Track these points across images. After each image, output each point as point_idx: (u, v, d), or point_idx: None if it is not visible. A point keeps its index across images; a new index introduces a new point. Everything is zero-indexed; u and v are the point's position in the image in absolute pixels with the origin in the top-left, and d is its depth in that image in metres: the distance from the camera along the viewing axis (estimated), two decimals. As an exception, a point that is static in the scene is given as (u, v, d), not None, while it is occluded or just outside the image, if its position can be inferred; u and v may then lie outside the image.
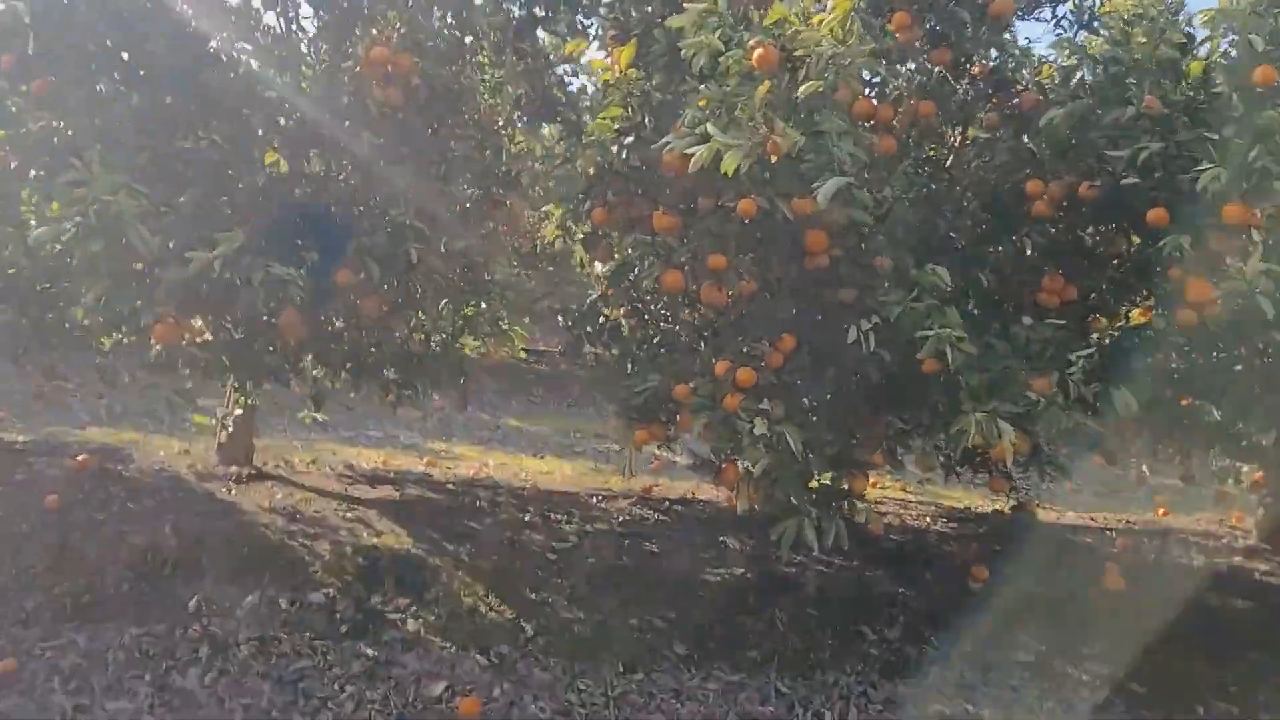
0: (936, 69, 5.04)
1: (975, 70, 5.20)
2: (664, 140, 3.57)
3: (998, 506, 6.79)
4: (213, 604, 4.44)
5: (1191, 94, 4.10)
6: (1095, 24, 5.01)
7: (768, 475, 3.85)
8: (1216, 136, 3.76)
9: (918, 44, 4.97)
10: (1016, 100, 4.82)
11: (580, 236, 5.13)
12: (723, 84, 3.48)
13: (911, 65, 5.06)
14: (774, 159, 3.32)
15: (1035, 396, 3.82)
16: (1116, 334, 5.45)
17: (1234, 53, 4.02)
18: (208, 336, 4.59)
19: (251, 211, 3.95)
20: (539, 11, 5.17)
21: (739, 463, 4.09)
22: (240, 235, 3.51)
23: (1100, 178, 4.23)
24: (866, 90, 4.99)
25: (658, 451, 7.27)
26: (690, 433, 4.16)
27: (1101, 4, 4.96)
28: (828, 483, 4.22)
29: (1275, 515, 6.42)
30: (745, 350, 4.00)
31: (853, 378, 4.32)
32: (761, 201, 3.66)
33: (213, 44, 4.35)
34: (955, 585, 5.38)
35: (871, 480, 7.93)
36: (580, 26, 4.44)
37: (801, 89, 3.31)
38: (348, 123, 4.64)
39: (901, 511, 6.76)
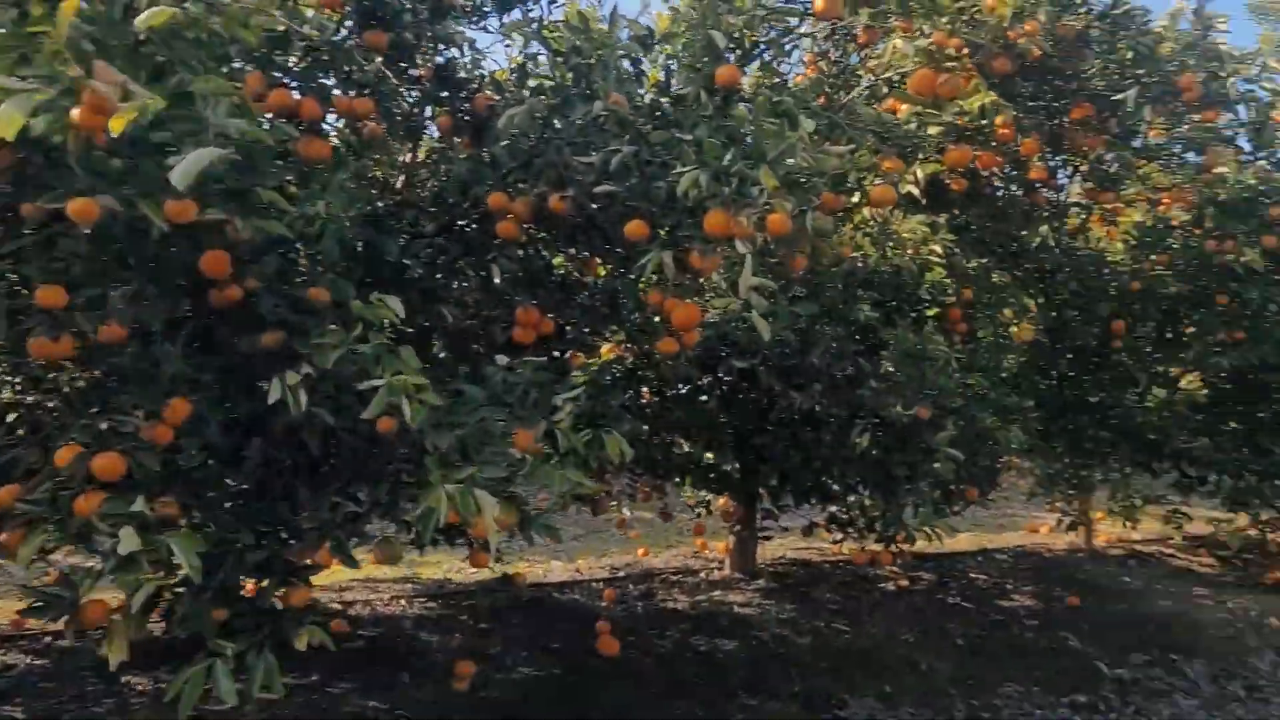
0: (374, 64, 4.15)
1: (421, 72, 4.41)
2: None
3: (481, 576, 6.06)
4: None
5: (655, 94, 3.66)
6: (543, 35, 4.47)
7: (152, 607, 2.59)
8: (690, 138, 3.30)
9: (346, 28, 4.04)
10: (470, 102, 4.09)
11: None
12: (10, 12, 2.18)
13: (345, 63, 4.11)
14: (115, 130, 2.11)
15: (520, 454, 3.04)
16: (596, 371, 4.99)
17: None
18: None
19: None
20: None
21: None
22: None
23: (572, 188, 3.61)
24: (290, 83, 3.96)
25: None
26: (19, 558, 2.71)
27: (551, 17, 4.47)
28: (253, 599, 3.03)
29: (744, 543, 6.47)
30: (108, 427, 2.69)
31: (283, 450, 3.20)
32: (110, 202, 2.41)
33: None
34: (440, 686, 4.45)
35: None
36: None
37: (142, 18, 2.14)
38: None
39: (371, 596, 5.70)
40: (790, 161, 3.18)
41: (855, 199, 3.98)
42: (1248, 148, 7.66)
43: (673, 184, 3.21)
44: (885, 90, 4.33)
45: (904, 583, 6.63)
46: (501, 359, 3.38)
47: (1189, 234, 7.11)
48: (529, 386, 3.19)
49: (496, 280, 4.03)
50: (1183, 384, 7.79)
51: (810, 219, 3.29)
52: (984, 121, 4.46)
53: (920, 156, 5.23)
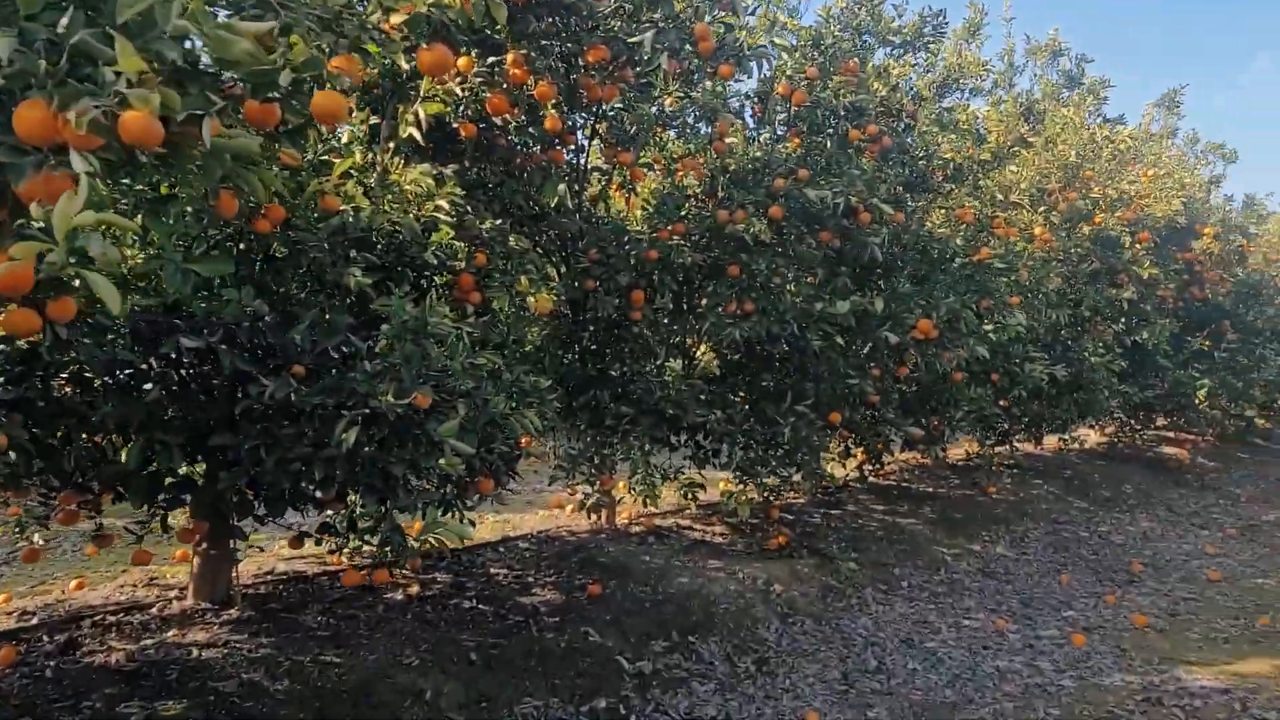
0: None
1: None
2: None
3: None
4: None
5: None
6: None
7: None
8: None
9: None
10: None
11: None
12: None
13: None
14: None
15: None
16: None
17: None
18: None
19: None
20: None
21: None
22: None
23: None
24: None
25: None
26: None
27: None
28: None
29: (213, 564, 5.16)
30: None
31: None
32: None
33: None
34: None
35: None
36: None
37: None
38: None
39: None
40: (168, 36, 2.06)
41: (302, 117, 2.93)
42: (752, 123, 7.79)
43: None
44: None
45: (414, 589, 5.75)
46: None
47: (703, 204, 7.00)
48: None
49: None
50: (698, 355, 7.78)
51: (210, 129, 2.20)
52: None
53: (414, 91, 4.33)
